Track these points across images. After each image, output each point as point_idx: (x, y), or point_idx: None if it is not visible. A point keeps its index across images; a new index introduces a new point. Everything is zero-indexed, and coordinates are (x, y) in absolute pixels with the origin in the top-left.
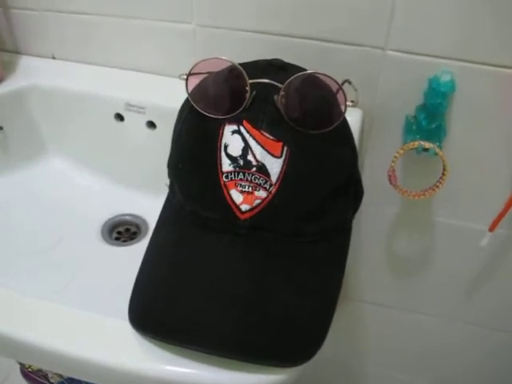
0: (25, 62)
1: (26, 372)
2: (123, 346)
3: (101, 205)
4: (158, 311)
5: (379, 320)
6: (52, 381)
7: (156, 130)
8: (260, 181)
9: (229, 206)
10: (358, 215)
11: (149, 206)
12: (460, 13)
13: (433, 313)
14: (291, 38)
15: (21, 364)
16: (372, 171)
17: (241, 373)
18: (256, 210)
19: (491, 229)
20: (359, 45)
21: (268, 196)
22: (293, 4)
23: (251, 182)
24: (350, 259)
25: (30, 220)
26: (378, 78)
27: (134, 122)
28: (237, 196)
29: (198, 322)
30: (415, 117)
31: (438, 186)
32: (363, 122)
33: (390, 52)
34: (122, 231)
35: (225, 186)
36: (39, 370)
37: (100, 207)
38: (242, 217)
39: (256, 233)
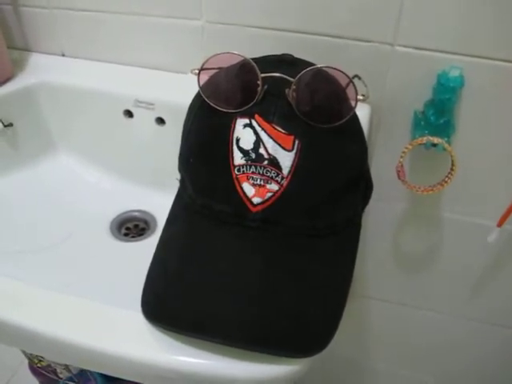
0: (34, 59)
1: (34, 367)
2: (135, 336)
3: (110, 201)
4: (171, 303)
5: (385, 316)
6: (61, 376)
7: (165, 126)
8: (272, 174)
9: (241, 199)
10: (365, 210)
11: (158, 202)
12: (468, 7)
13: (439, 309)
14: (299, 33)
15: (29, 359)
16: (380, 166)
17: (253, 363)
18: (268, 203)
19: (499, 224)
20: (368, 40)
21: (280, 189)
22: (301, 0)
23: (263, 175)
24: (357, 255)
25: (39, 216)
26: (386, 74)
27: (143, 119)
28: (249, 189)
29: (210, 313)
30: (423, 112)
31: (446, 182)
32: (371, 117)
33: (398, 48)
34: (130, 227)
35: (237, 179)
36: (48, 366)
37: (109, 203)
38: (254, 210)
39: (266, 226)
